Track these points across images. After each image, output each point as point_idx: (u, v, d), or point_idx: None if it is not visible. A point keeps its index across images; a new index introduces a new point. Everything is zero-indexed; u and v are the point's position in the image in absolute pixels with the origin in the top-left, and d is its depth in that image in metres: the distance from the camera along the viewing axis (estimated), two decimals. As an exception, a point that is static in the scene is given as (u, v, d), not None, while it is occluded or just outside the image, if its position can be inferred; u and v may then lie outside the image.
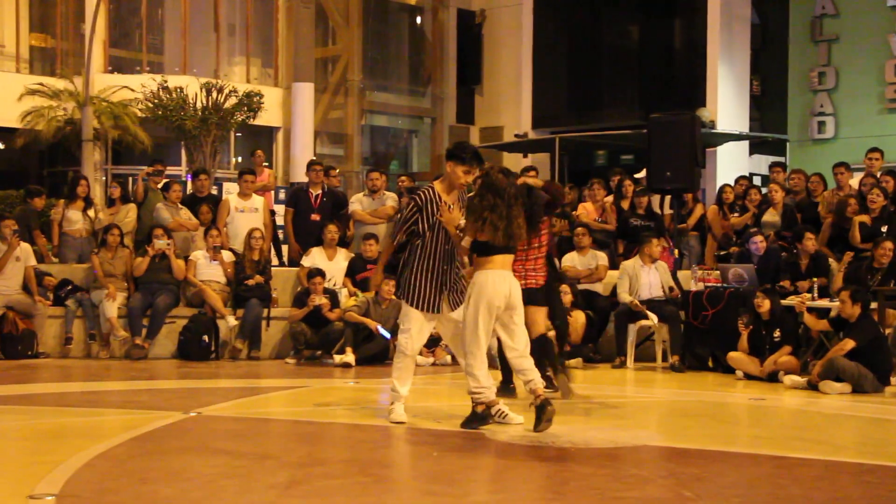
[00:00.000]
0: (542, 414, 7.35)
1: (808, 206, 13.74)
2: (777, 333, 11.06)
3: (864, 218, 12.60)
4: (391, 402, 8.01)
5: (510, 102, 25.90)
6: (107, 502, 5.54)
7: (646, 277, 12.46)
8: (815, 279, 11.83)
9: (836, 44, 22.04)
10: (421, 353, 12.28)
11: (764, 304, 11.11)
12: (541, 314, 9.37)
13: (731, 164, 21.11)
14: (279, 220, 15.52)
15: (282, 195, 17.06)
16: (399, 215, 13.09)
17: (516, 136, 24.43)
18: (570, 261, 13.30)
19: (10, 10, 23.89)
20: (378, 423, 8.15)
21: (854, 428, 8.83)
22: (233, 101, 21.03)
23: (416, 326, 7.87)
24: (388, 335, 12.47)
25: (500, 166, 8.17)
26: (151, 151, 21.28)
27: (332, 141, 27.22)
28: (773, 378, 10.92)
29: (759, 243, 12.74)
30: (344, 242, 14.08)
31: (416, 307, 7.83)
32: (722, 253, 13.93)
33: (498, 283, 7.50)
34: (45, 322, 12.79)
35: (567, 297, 12.16)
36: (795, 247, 12.51)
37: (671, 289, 12.56)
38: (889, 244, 11.69)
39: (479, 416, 7.63)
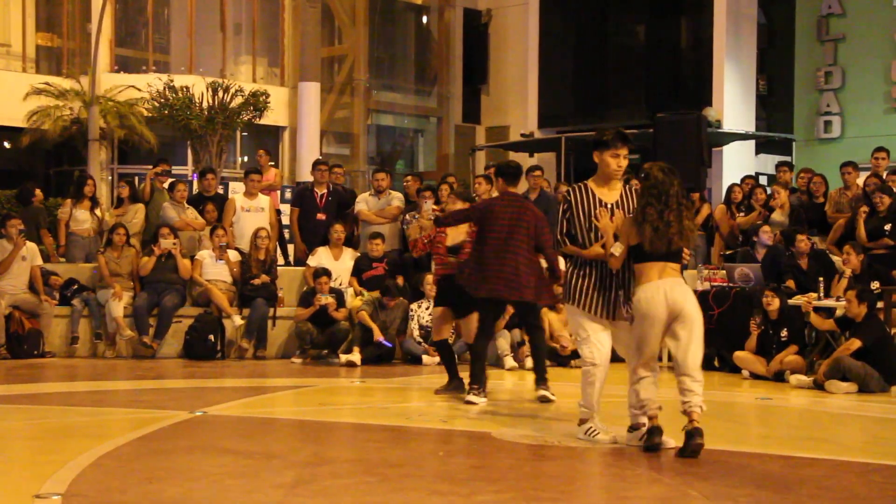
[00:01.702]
0: (690, 442, 6.67)
1: (811, 206, 13.75)
2: (784, 333, 11.05)
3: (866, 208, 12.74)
4: (586, 423, 7.22)
5: (516, 102, 25.87)
6: (113, 501, 5.54)
7: None
8: (821, 278, 11.82)
9: (843, 43, 21.98)
10: (428, 353, 12.29)
11: (773, 303, 11.10)
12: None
13: (737, 164, 21.06)
14: (285, 220, 15.53)
15: (288, 195, 17.06)
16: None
17: (522, 135, 24.39)
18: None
19: (17, 10, 23.90)
20: (384, 423, 8.15)
21: (860, 427, 8.82)
22: (239, 100, 21.03)
23: (591, 332, 7.10)
24: (389, 344, 12.50)
25: (660, 163, 7.15)
26: (157, 151, 21.31)
27: (338, 140, 27.21)
28: (779, 377, 10.92)
29: (767, 232, 12.76)
30: (350, 242, 14.09)
31: (585, 309, 7.10)
32: (728, 252, 13.91)
33: (650, 297, 6.80)
34: (51, 321, 12.82)
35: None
36: (793, 244, 12.49)
37: None
38: (847, 247, 11.71)
39: (650, 431, 6.87)
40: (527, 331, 10.35)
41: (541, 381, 9.20)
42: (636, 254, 6.93)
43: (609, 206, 7.12)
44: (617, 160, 7.15)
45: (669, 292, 6.81)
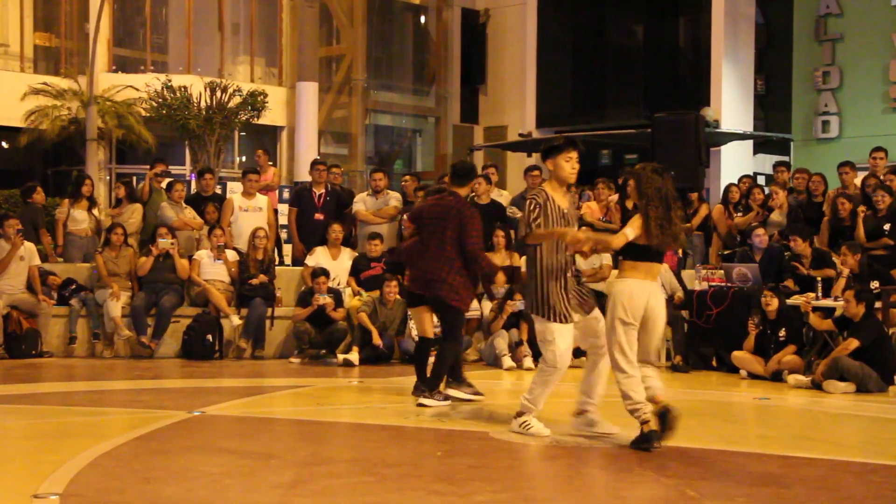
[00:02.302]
0: (666, 416, 6.86)
1: (810, 205, 13.75)
2: (782, 333, 11.05)
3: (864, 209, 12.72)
4: (523, 416, 7.44)
5: (514, 102, 25.87)
6: (111, 501, 5.54)
7: None
8: (819, 278, 11.82)
9: (841, 43, 22.00)
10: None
11: (772, 303, 11.10)
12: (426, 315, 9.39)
13: (735, 164, 21.07)
14: (283, 220, 15.51)
15: (286, 194, 17.06)
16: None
17: (520, 135, 24.39)
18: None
19: (15, 10, 23.86)
20: (382, 423, 8.14)
21: (858, 427, 8.82)
22: (237, 100, 21.03)
23: (558, 337, 7.27)
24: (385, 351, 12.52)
25: (652, 165, 7.32)
26: (155, 151, 21.29)
27: (336, 140, 27.20)
28: (777, 377, 10.92)
29: (761, 236, 12.76)
30: (348, 242, 14.09)
31: (553, 320, 7.26)
32: (726, 252, 13.92)
33: (636, 293, 7.00)
34: (49, 321, 12.80)
35: None
36: (791, 244, 12.53)
37: (674, 292, 12.48)
38: (844, 248, 11.72)
39: (646, 436, 6.95)
40: (442, 337, 9.45)
41: (427, 387, 9.04)
42: (634, 251, 7.05)
43: (564, 212, 7.32)
44: (570, 163, 7.37)
45: (652, 297, 7.10)
